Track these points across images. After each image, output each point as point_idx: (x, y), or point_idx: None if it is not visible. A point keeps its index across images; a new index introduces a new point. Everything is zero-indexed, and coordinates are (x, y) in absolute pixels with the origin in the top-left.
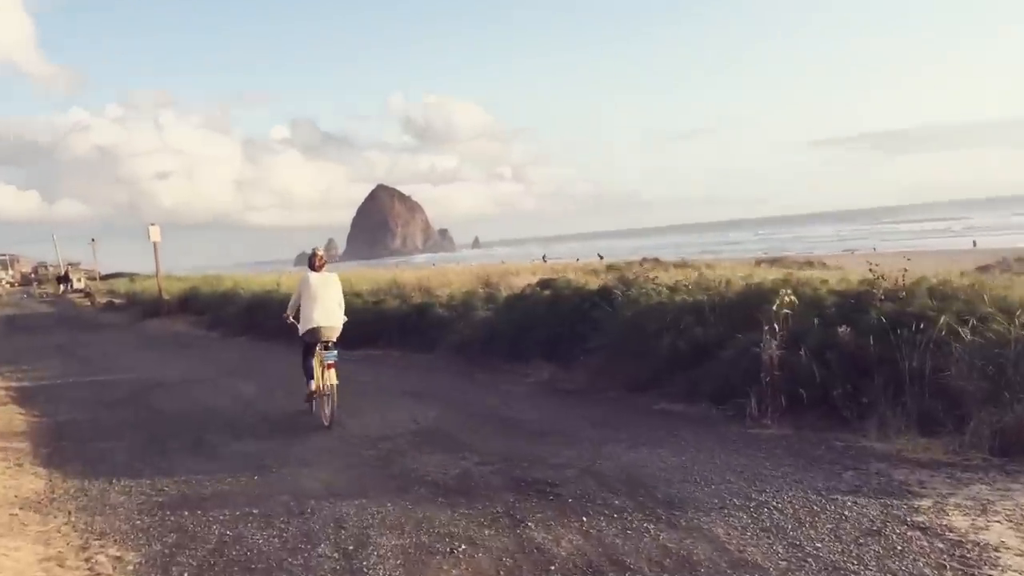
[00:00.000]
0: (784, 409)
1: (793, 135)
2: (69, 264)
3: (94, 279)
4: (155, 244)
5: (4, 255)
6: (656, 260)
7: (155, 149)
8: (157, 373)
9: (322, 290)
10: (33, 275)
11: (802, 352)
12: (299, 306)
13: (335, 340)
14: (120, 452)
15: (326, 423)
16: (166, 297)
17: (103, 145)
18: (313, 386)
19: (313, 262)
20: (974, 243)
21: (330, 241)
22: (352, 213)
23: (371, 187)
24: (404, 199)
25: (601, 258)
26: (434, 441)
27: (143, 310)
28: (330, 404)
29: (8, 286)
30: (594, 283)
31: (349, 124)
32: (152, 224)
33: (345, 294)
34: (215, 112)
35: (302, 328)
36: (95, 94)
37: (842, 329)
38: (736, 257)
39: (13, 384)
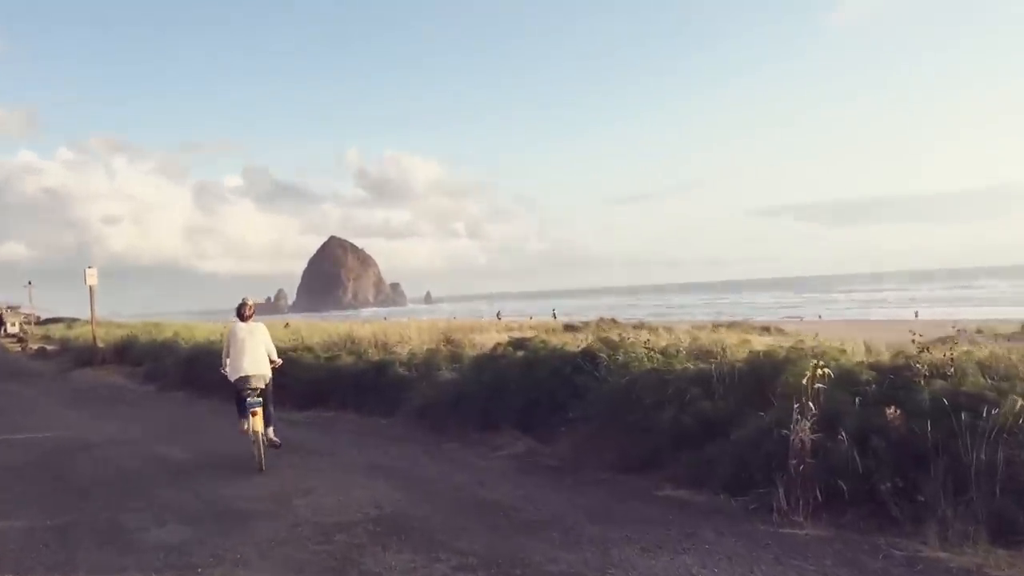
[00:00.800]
0: (819, 504)
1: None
2: (8, 307)
3: (31, 323)
4: (91, 288)
5: None
6: (613, 320)
7: (106, 194)
8: (79, 432)
9: (249, 339)
10: None
11: (840, 436)
12: (228, 356)
13: (263, 387)
14: (12, 538)
15: (258, 467)
16: (100, 345)
17: (52, 188)
18: (245, 425)
19: (243, 312)
20: (916, 314)
21: (280, 291)
22: (303, 264)
23: (322, 239)
24: (356, 251)
25: (555, 316)
26: (400, 532)
27: (76, 358)
28: (259, 449)
29: None
30: (571, 344)
31: (303, 175)
32: (89, 267)
33: (296, 348)
34: (167, 159)
35: (232, 376)
36: (46, 137)
37: (891, 411)
38: (692, 320)
39: None
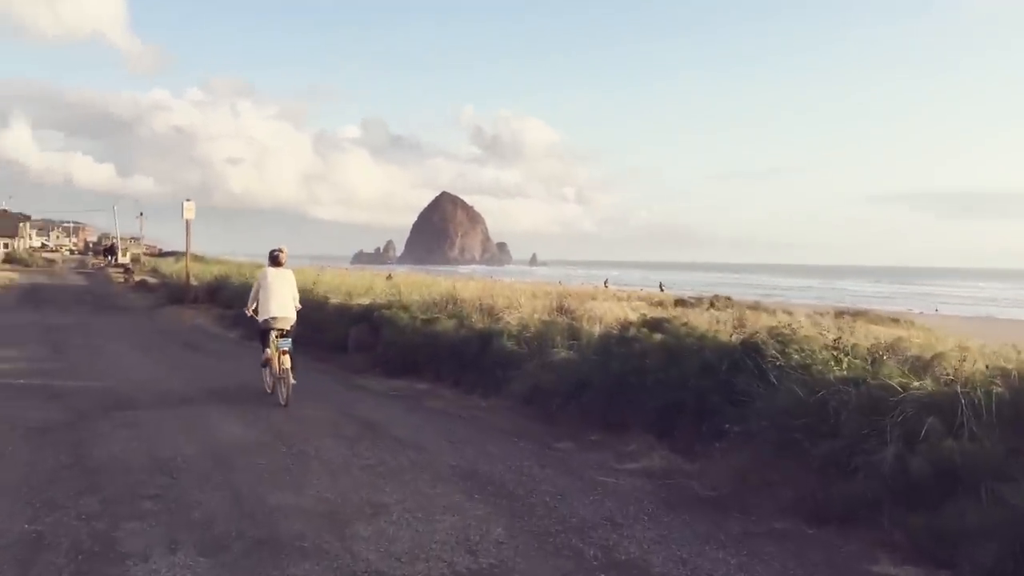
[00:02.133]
0: None
1: (857, 187)
2: (132, 238)
3: (151, 255)
4: (187, 222)
5: (70, 223)
6: (728, 298)
7: (230, 135)
8: (131, 386)
9: (277, 284)
10: (96, 245)
11: None
12: (258, 298)
13: (288, 329)
14: None
15: (283, 403)
16: (194, 283)
17: (181, 126)
18: (268, 379)
19: (278, 259)
20: None
21: (388, 243)
22: (413, 217)
23: (434, 193)
24: (466, 208)
25: (662, 289)
26: None
27: (170, 294)
28: (286, 387)
29: (68, 253)
30: (708, 326)
31: (419, 130)
32: (187, 200)
33: (390, 306)
34: (290, 105)
35: (260, 317)
36: (178, 77)
37: None
38: (808, 304)
39: None
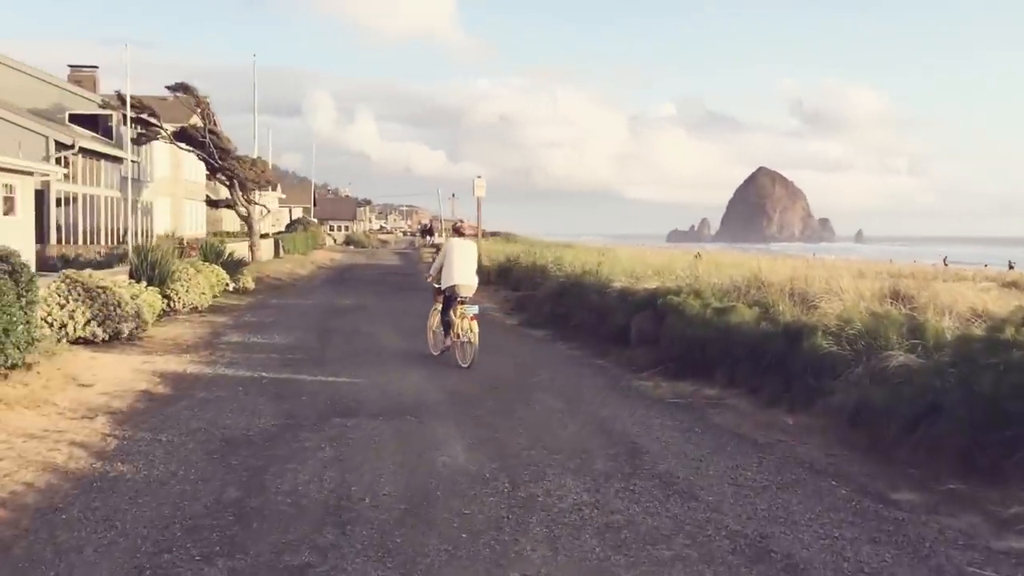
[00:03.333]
0: None
1: None
2: (460, 220)
3: (477, 235)
4: (478, 200)
5: (405, 206)
6: None
7: (548, 119)
8: (367, 386)
9: (461, 253)
10: (427, 226)
11: None
12: (441, 267)
13: (471, 296)
14: None
15: (464, 365)
16: (486, 263)
17: (503, 113)
18: (449, 341)
19: (461, 230)
20: None
21: (703, 220)
22: (728, 194)
23: (749, 170)
24: (785, 183)
25: (1011, 267)
26: None
27: None
28: (472, 350)
29: (401, 235)
30: None
31: (736, 105)
32: (478, 176)
33: (679, 291)
34: (606, 87)
35: (444, 284)
36: (501, 67)
37: None
38: None
39: (161, 369)
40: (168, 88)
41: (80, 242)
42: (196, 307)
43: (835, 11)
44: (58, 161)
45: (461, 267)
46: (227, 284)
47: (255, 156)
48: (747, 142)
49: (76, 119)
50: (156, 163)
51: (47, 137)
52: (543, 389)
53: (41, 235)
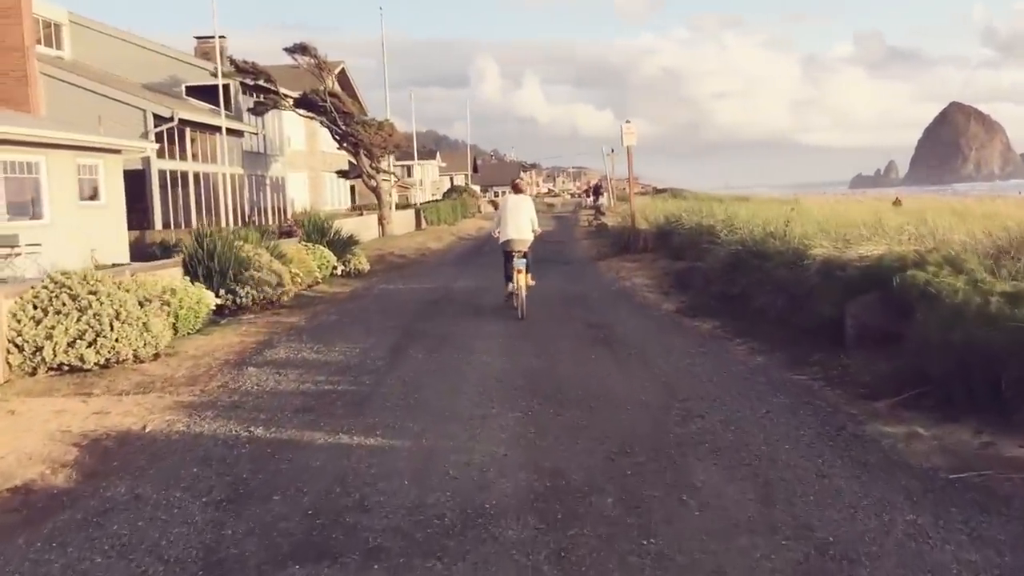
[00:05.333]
0: None
1: None
2: (635, 178)
3: (646, 193)
4: (628, 150)
5: (573, 168)
6: None
7: (716, 70)
8: (427, 447)
9: (515, 209)
10: (596, 186)
11: None
12: (498, 223)
13: (525, 251)
14: None
15: (520, 316)
16: (643, 226)
17: (669, 67)
18: (510, 287)
19: (518, 186)
20: None
21: (890, 163)
22: (916, 134)
23: (939, 106)
24: (981, 118)
25: None
26: None
27: (616, 240)
28: (520, 301)
29: (568, 196)
30: None
31: (920, 38)
32: (626, 121)
33: (925, 262)
34: (775, 31)
35: (500, 239)
36: (665, 18)
37: None
38: None
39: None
40: (286, 50)
41: (194, 224)
42: (272, 300)
43: None
44: (159, 137)
45: (515, 223)
46: (334, 267)
47: (384, 119)
48: (935, 77)
49: (193, 92)
50: (288, 135)
51: (144, 111)
52: (707, 454)
53: (142, 219)
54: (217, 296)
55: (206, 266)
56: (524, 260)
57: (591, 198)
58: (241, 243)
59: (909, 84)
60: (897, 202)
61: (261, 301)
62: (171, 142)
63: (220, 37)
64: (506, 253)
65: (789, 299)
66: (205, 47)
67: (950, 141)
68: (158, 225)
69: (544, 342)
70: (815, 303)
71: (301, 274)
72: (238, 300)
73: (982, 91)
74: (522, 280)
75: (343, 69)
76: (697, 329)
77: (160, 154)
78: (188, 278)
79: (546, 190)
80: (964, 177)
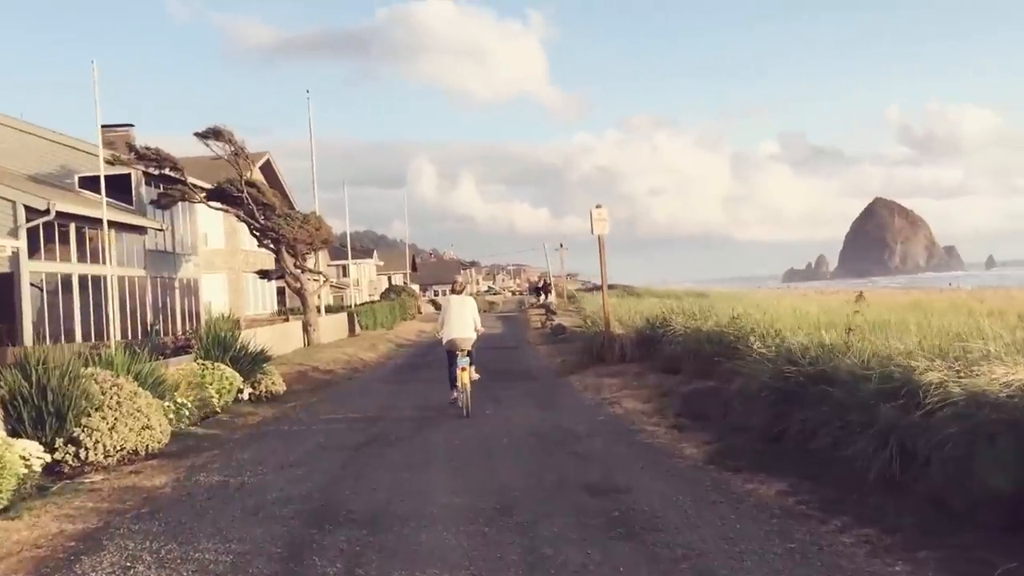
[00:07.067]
0: None
1: None
2: (569, 275)
3: (587, 290)
4: (599, 239)
5: (513, 266)
6: None
7: (649, 168)
8: None
9: (458, 309)
10: (531, 284)
11: None
12: (442, 323)
13: (469, 349)
14: None
15: (465, 414)
16: (618, 331)
17: (603, 166)
18: (455, 394)
19: (454, 288)
20: None
21: (820, 257)
22: (842, 228)
23: (863, 202)
24: (905, 213)
25: None
26: None
27: (586, 347)
28: (465, 400)
29: (510, 294)
30: None
31: (840, 137)
32: (597, 206)
33: None
34: (704, 131)
35: (444, 339)
36: (597, 120)
37: None
38: None
39: None
40: (197, 135)
41: (78, 339)
42: (136, 450)
43: (929, 27)
44: (34, 233)
45: (459, 322)
46: (239, 390)
47: (311, 212)
48: (856, 174)
49: (90, 184)
50: (203, 231)
51: (14, 202)
52: None
53: (7, 332)
54: (50, 449)
55: (35, 406)
56: (468, 358)
57: (539, 296)
58: (95, 371)
59: (833, 181)
60: (860, 297)
61: (119, 452)
62: (53, 240)
63: (127, 125)
64: (449, 353)
65: (901, 450)
66: (110, 136)
67: (876, 235)
68: (28, 340)
69: (532, 533)
70: (970, 468)
71: (189, 405)
72: (82, 454)
73: (903, 187)
74: (466, 377)
75: (268, 161)
76: (758, 498)
77: (35, 254)
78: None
79: (486, 288)
80: (893, 270)
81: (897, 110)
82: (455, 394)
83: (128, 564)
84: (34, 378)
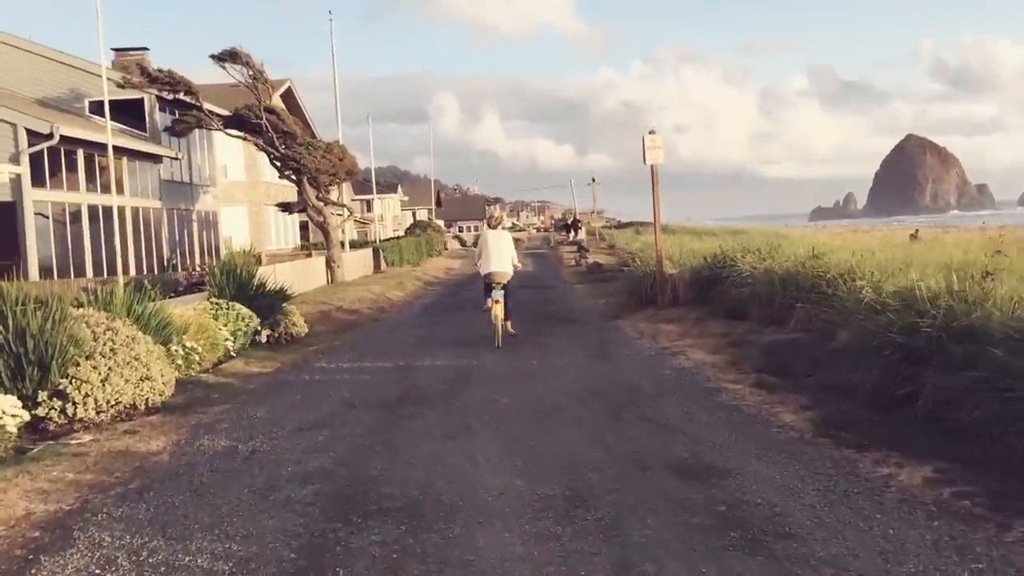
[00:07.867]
0: None
1: None
2: (595, 212)
3: (611, 227)
4: (652, 168)
5: (536, 203)
6: None
7: (675, 103)
8: None
9: (494, 243)
10: (557, 222)
11: None
12: (479, 256)
13: (505, 283)
14: None
15: (498, 345)
16: (670, 271)
17: (628, 101)
18: (488, 303)
19: (491, 222)
20: None
21: (848, 195)
22: (871, 166)
23: (893, 139)
24: (937, 151)
25: None
26: None
27: (631, 289)
28: (502, 332)
29: (534, 231)
30: None
31: (871, 72)
32: (651, 132)
33: None
34: (734, 64)
35: (482, 272)
36: (623, 53)
37: None
38: None
39: None
40: (213, 58)
41: (89, 274)
42: (135, 406)
43: None
44: (37, 159)
45: (497, 257)
46: (256, 331)
47: (334, 141)
48: (888, 110)
49: (101, 108)
50: (222, 162)
51: (15, 125)
52: None
53: (15, 268)
54: (31, 405)
55: (13, 354)
56: (503, 291)
57: (568, 233)
58: (86, 312)
59: (863, 117)
60: (916, 235)
61: (114, 407)
62: (60, 168)
63: (142, 49)
64: (487, 285)
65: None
66: (124, 61)
67: (907, 173)
68: (34, 275)
69: (620, 538)
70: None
71: (200, 349)
72: (69, 410)
73: (935, 124)
74: (499, 309)
75: (289, 88)
76: (902, 489)
77: (40, 183)
78: None
79: (510, 224)
80: (922, 208)
81: (931, 43)
82: (488, 303)
83: (97, 572)
84: (11, 321)
